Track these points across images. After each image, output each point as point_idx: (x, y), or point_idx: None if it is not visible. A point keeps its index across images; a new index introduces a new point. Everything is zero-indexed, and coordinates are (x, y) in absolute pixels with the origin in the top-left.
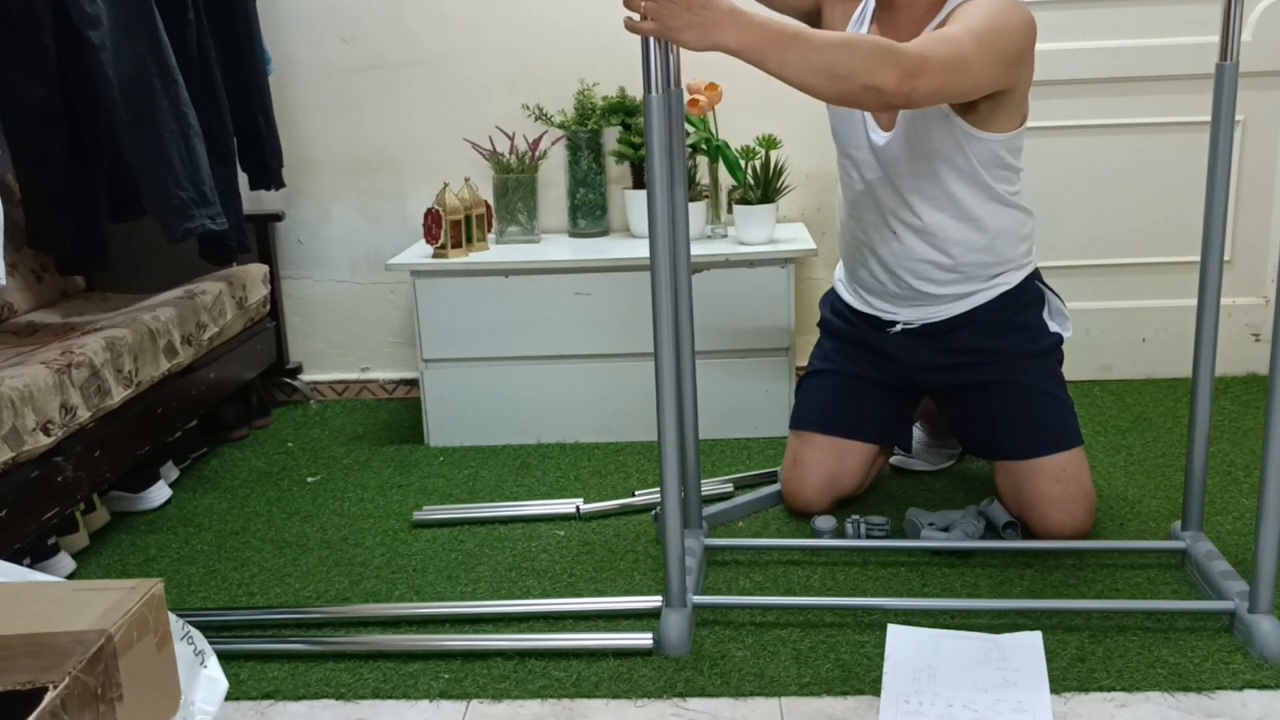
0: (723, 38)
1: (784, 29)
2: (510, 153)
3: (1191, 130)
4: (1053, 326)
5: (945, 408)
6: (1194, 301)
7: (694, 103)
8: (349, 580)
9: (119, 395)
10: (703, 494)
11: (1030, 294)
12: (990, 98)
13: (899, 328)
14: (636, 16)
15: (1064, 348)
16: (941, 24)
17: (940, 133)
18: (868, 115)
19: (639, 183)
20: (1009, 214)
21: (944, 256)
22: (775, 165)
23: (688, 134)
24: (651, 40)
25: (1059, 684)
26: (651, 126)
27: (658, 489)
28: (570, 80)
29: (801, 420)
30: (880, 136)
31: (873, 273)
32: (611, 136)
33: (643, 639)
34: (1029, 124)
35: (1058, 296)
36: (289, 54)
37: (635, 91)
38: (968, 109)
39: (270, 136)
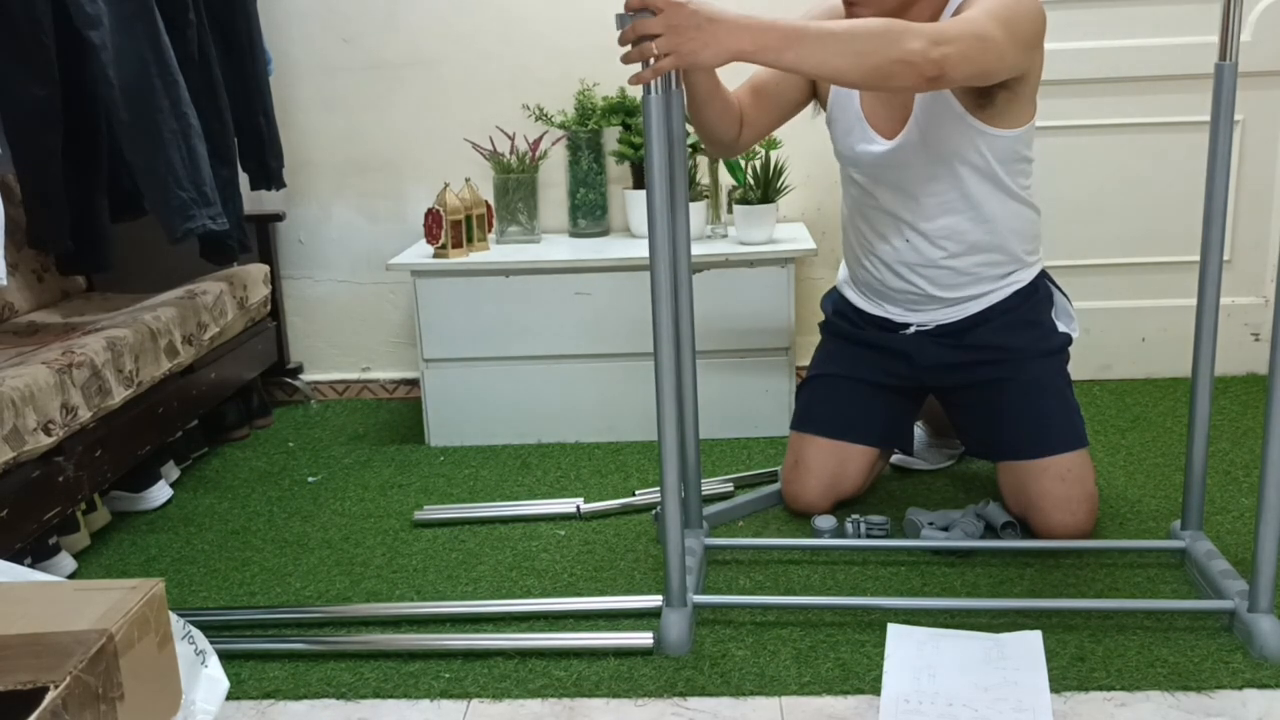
0: (738, 45)
1: (796, 22)
2: (510, 153)
3: (1191, 130)
4: (1061, 327)
5: (951, 407)
6: (1194, 301)
7: None
8: (350, 580)
9: (120, 395)
10: (703, 494)
11: (1042, 292)
12: (1007, 89)
13: (913, 329)
14: (639, 65)
15: (1068, 348)
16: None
17: (957, 135)
18: (866, 126)
19: (639, 183)
20: (1022, 211)
21: (960, 260)
22: (775, 165)
23: (688, 134)
24: None
25: (1059, 683)
26: (651, 126)
27: (658, 489)
28: (570, 80)
29: (803, 422)
30: (881, 145)
31: (884, 280)
32: (611, 136)
33: (643, 638)
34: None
35: (1065, 296)
36: (289, 54)
37: (635, 91)
38: (983, 107)
39: (271, 136)
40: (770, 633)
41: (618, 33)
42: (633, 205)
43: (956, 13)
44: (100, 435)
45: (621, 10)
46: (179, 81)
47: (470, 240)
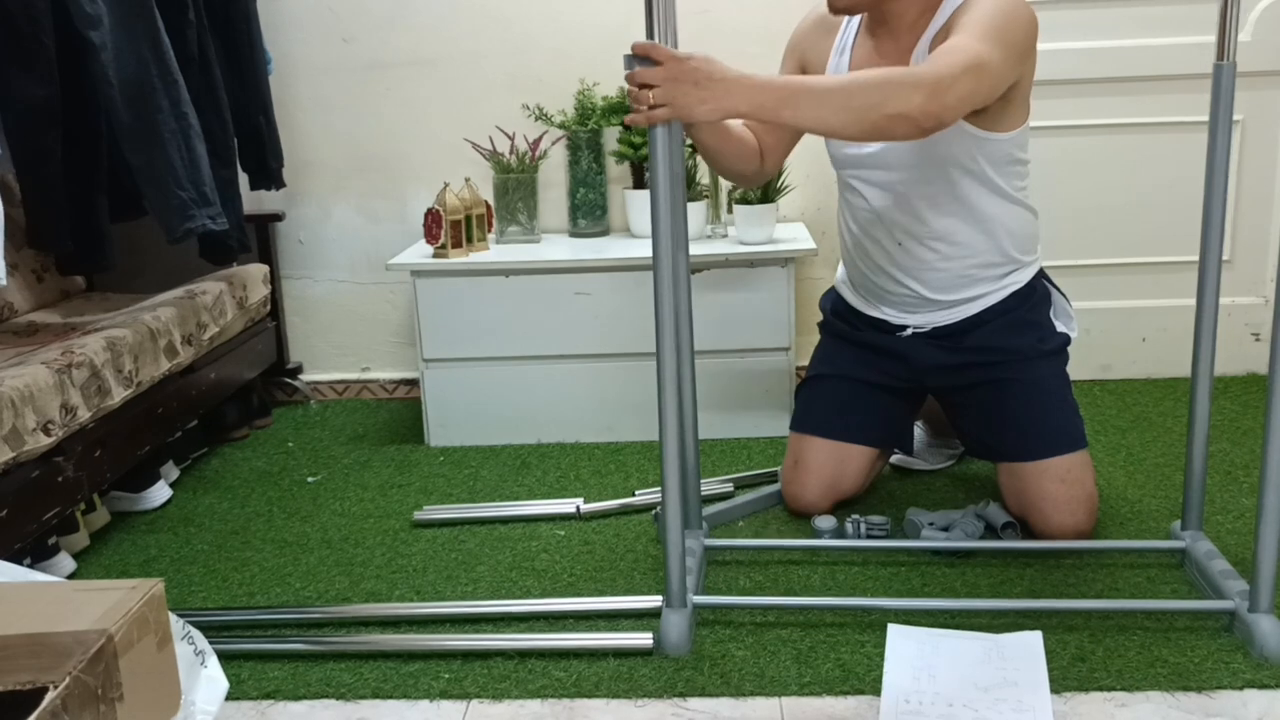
0: (733, 105)
1: (790, 81)
2: (510, 153)
3: (1191, 130)
4: (1059, 327)
5: (950, 408)
6: (1194, 301)
7: None
8: (349, 580)
9: (119, 395)
10: (703, 494)
11: (1039, 293)
12: (1000, 96)
13: (909, 331)
14: (643, 106)
15: (1067, 349)
16: (942, 29)
17: (949, 139)
18: None
19: (639, 183)
20: (1018, 213)
21: (954, 263)
22: None
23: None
24: None
25: (1059, 684)
26: (655, 127)
27: (658, 489)
28: (570, 80)
29: (803, 423)
30: (872, 146)
31: (880, 284)
32: (611, 136)
33: (643, 639)
34: (1029, 123)
35: (1064, 296)
36: (289, 54)
37: None
38: (976, 113)
39: (271, 136)
40: (770, 633)
41: (623, 56)
42: (633, 205)
43: (954, 14)
44: (100, 435)
45: (629, 52)
46: (179, 81)
47: (470, 240)
